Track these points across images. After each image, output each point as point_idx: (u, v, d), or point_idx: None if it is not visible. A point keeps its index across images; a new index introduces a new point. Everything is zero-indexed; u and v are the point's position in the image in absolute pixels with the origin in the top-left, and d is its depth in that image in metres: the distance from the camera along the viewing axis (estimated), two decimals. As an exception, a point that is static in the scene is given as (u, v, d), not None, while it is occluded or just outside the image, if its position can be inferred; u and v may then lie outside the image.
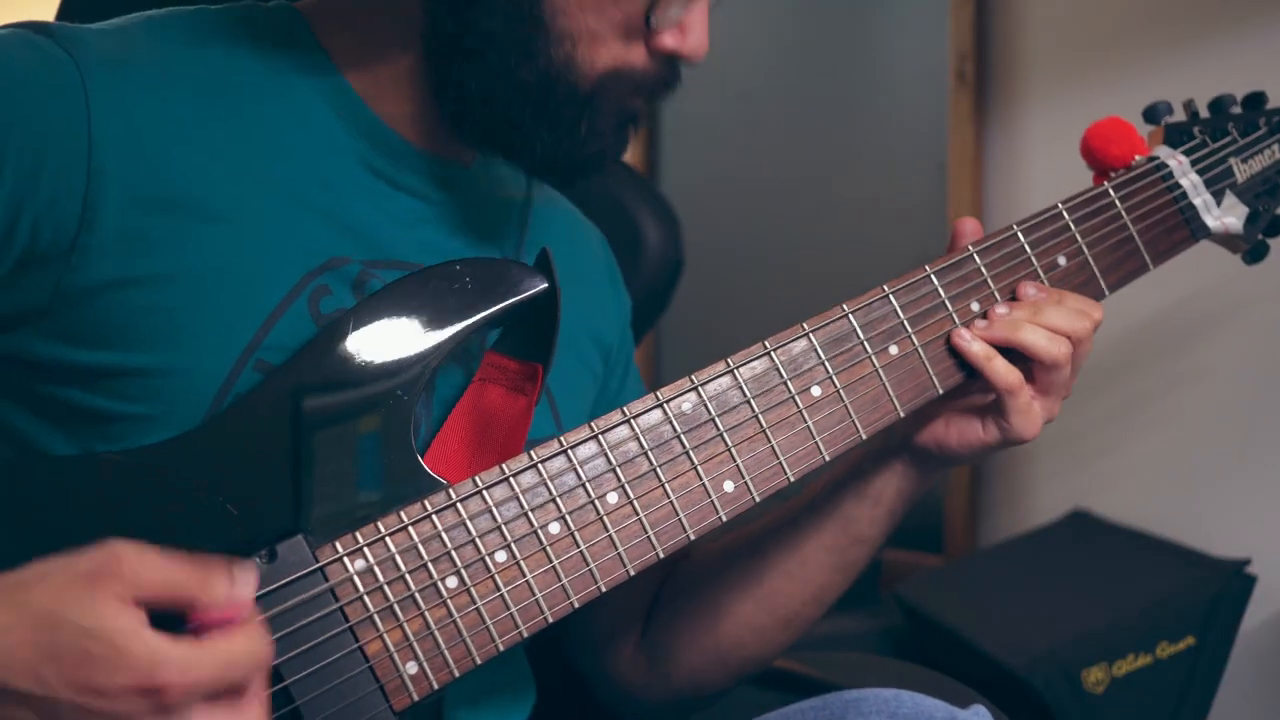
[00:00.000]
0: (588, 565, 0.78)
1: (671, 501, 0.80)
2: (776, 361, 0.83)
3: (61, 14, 1.07)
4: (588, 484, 0.78)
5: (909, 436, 0.92)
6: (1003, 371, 0.86)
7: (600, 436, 0.79)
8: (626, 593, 0.99)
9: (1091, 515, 1.86)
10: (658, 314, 1.32)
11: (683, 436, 0.80)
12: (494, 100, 0.82)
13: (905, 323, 0.87)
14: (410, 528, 0.74)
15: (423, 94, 0.85)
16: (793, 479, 0.83)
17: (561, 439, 0.78)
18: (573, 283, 0.96)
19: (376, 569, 0.73)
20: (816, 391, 0.84)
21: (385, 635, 0.73)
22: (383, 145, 0.85)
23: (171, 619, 0.62)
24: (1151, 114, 1.00)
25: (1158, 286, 1.80)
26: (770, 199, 2.48)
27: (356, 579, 0.73)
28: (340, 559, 0.73)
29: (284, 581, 0.71)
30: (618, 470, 0.79)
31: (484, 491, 0.76)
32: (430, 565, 0.74)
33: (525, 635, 0.76)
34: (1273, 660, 1.71)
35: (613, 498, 0.78)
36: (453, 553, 0.75)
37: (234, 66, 0.82)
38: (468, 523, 0.75)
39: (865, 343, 0.85)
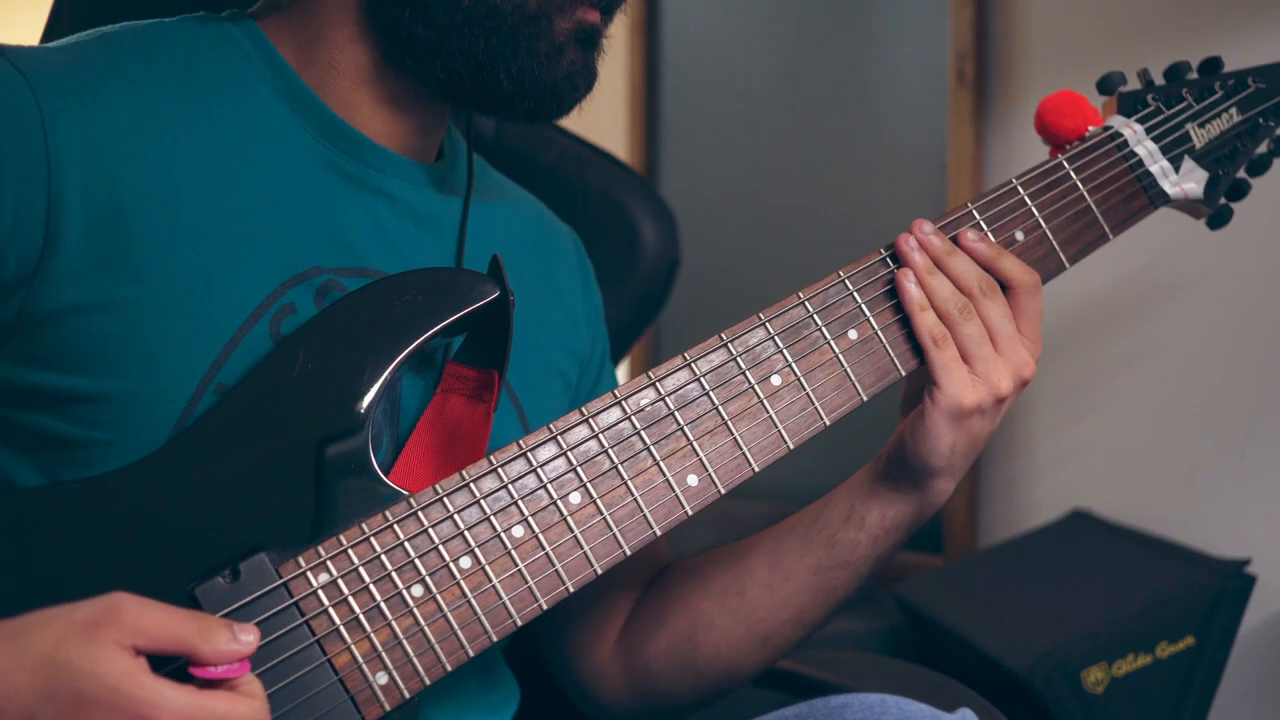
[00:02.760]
0: (554, 566, 0.78)
1: (635, 498, 0.80)
2: (734, 353, 0.83)
3: (52, 18, 1.06)
4: (549, 485, 0.78)
5: (881, 455, 0.91)
6: (930, 323, 0.85)
7: (559, 437, 0.79)
8: (605, 597, 0.98)
9: (1091, 515, 1.84)
10: (655, 313, 1.31)
11: (643, 433, 0.80)
12: (447, 41, 0.83)
13: (863, 306, 0.86)
14: (372, 539, 0.74)
15: (379, 84, 0.86)
16: (757, 469, 0.83)
17: (520, 442, 0.78)
18: (542, 288, 0.97)
19: (340, 582, 0.74)
20: (776, 380, 0.84)
21: (353, 647, 0.73)
22: (345, 144, 0.85)
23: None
24: (1105, 84, 1.00)
25: (1159, 286, 1.80)
26: (770, 199, 2.47)
27: (321, 593, 0.73)
28: (304, 574, 0.73)
29: (248, 599, 0.71)
30: (579, 470, 0.79)
31: (445, 499, 0.76)
32: (394, 575, 0.74)
33: (495, 640, 0.76)
34: (1273, 660, 1.69)
35: (575, 498, 0.78)
36: (416, 561, 0.75)
37: (191, 79, 0.82)
38: (430, 531, 0.75)
39: (823, 329, 0.85)
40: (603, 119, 2.54)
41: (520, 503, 0.77)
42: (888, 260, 0.88)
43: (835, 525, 0.91)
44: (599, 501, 0.79)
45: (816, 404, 0.84)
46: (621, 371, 1.14)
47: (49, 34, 1.03)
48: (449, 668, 0.75)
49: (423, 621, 0.75)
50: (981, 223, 0.90)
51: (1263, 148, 1.02)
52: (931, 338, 0.85)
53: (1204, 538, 1.72)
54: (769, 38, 2.50)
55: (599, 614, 0.99)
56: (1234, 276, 1.75)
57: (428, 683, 0.75)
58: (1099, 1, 1.94)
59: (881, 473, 0.90)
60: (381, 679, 0.74)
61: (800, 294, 0.86)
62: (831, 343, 0.85)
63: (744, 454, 0.82)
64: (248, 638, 0.65)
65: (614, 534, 0.79)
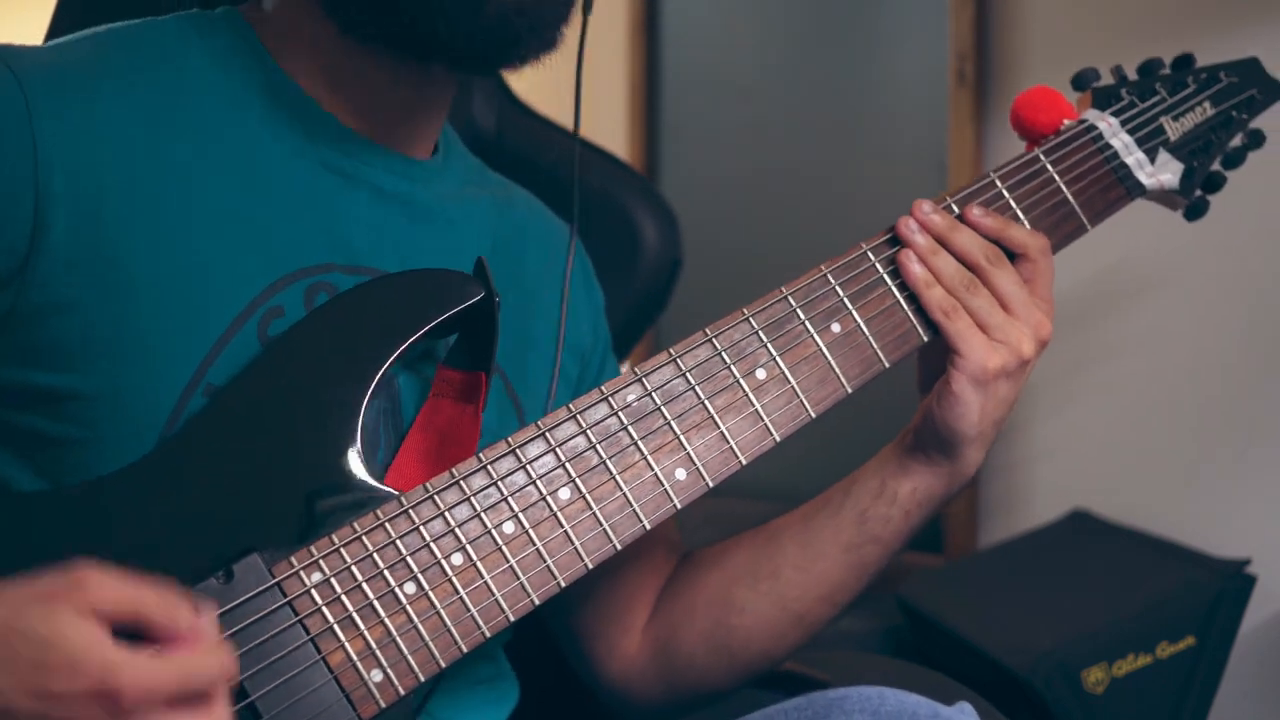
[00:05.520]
0: (545, 562, 0.78)
1: (624, 493, 0.81)
2: (719, 348, 0.84)
3: (57, 16, 1.06)
4: (538, 482, 0.79)
5: (910, 429, 0.92)
6: (939, 297, 0.87)
7: (547, 434, 0.80)
8: (628, 591, 0.99)
9: (1091, 515, 1.84)
10: (656, 314, 1.31)
11: (630, 428, 0.81)
12: None
13: (845, 300, 0.88)
14: (363, 537, 0.75)
15: (352, 65, 0.85)
16: (745, 462, 0.84)
17: (509, 440, 0.79)
18: (541, 285, 0.98)
19: (333, 580, 0.74)
20: (761, 374, 0.85)
21: (347, 645, 0.74)
22: (335, 139, 0.86)
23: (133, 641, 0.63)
24: (1079, 80, 1.01)
25: (1160, 286, 1.81)
26: (770, 199, 2.46)
27: (314, 592, 0.74)
28: (297, 573, 0.74)
29: (242, 599, 0.72)
30: (567, 466, 0.80)
31: (435, 496, 0.77)
32: (387, 573, 0.75)
33: (488, 635, 0.77)
34: (1273, 660, 1.69)
35: (565, 494, 0.79)
36: (408, 559, 0.76)
37: (181, 76, 0.82)
38: (421, 528, 0.76)
39: (806, 323, 0.86)
40: (603, 119, 2.53)
41: (510, 499, 0.78)
42: (868, 254, 0.89)
43: (866, 501, 0.92)
44: (588, 497, 0.80)
45: (801, 397, 0.85)
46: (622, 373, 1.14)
47: (53, 34, 1.02)
48: (443, 664, 0.76)
49: (416, 618, 0.75)
50: (960, 215, 0.91)
51: (1238, 140, 1.03)
52: (942, 310, 0.87)
53: (1204, 538, 1.72)
54: (769, 38, 2.50)
55: (624, 609, 0.99)
56: (1235, 277, 1.76)
57: (422, 679, 0.75)
58: (1099, 2, 1.95)
59: (910, 446, 0.91)
60: (376, 676, 0.74)
61: (784, 288, 0.87)
62: (815, 336, 0.86)
63: (731, 447, 0.83)
64: (209, 610, 0.65)
65: (604, 529, 0.80)
